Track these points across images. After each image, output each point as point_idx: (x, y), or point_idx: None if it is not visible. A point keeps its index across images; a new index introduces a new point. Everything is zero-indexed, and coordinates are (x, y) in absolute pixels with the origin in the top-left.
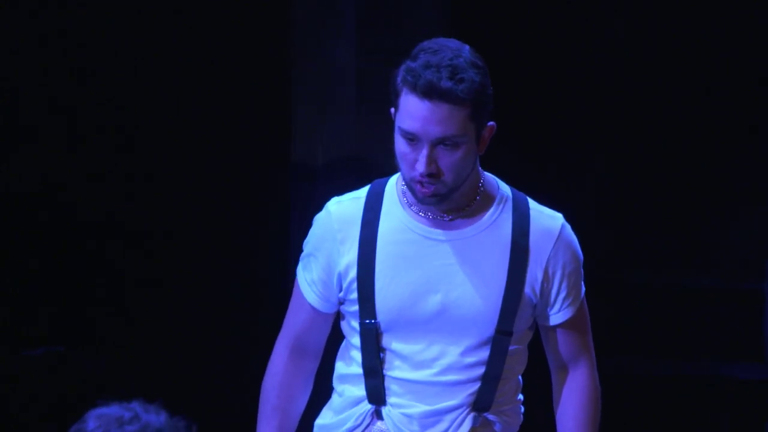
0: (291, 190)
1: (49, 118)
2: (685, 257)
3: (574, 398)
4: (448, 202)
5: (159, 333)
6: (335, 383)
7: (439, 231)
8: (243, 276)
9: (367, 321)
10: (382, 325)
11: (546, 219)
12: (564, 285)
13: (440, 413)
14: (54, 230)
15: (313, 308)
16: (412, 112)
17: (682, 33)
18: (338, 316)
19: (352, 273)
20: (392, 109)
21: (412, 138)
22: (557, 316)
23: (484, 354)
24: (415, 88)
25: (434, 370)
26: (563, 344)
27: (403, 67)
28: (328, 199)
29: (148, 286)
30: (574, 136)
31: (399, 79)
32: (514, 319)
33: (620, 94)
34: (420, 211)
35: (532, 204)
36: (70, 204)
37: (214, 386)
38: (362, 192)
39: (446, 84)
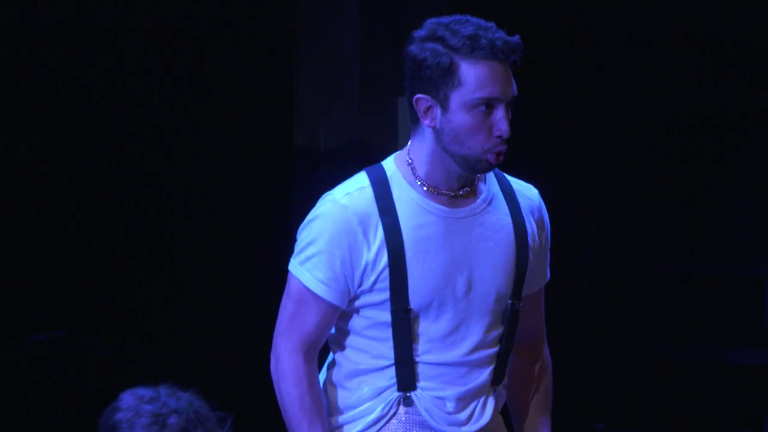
0: (293, 178)
1: (51, 111)
2: (690, 243)
3: (545, 375)
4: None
5: (161, 318)
6: (341, 381)
7: (455, 209)
8: (244, 262)
9: (400, 308)
10: (415, 311)
11: (526, 190)
12: (546, 250)
13: (470, 392)
14: (58, 216)
15: (330, 305)
16: (486, 76)
17: (692, 16)
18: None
19: (382, 262)
20: (426, 95)
21: (490, 104)
22: (541, 280)
23: (502, 328)
24: (480, 53)
25: (463, 350)
26: (534, 315)
27: (437, 46)
28: (330, 186)
29: (150, 272)
30: (579, 121)
31: (446, 54)
32: (522, 290)
33: (627, 80)
34: (435, 191)
35: (508, 176)
36: (72, 189)
37: (216, 369)
38: (360, 182)
39: (514, 40)
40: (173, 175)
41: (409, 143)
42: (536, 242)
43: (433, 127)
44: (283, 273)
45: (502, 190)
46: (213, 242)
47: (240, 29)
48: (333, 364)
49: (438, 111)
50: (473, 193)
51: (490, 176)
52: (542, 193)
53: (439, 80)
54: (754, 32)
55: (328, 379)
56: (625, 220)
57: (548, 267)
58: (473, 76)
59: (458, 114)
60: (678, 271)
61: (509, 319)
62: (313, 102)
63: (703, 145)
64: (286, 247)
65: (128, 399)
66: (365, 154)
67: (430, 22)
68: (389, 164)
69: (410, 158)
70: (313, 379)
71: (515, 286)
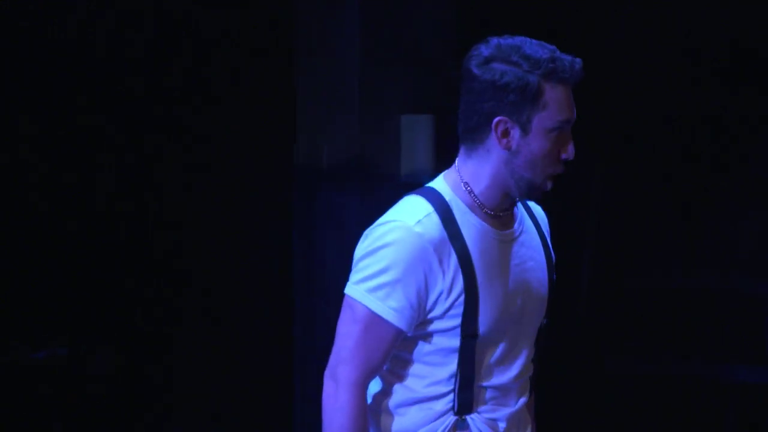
0: (294, 194)
1: (52, 116)
2: (690, 259)
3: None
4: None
5: (163, 332)
6: (394, 408)
7: (504, 232)
8: (244, 276)
9: (469, 334)
10: (482, 335)
11: (535, 205)
12: None
13: (518, 412)
14: (59, 230)
15: (399, 332)
16: (563, 101)
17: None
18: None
19: (457, 289)
20: (507, 117)
21: (563, 128)
22: None
23: (535, 344)
24: (559, 76)
25: (514, 372)
26: None
27: (516, 69)
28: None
29: (150, 287)
30: (579, 135)
31: (532, 78)
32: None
33: (627, 92)
34: (488, 215)
35: None
36: (70, 202)
37: (220, 381)
38: (423, 207)
39: (581, 63)
40: (174, 189)
41: (456, 165)
42: (554, 259)
43: (508, 150)
44: (280, 289)
45: (524, 210)
46: (212, 257)
47: (241, 45)
48: (384, 391)
49: (517, 134)
50: (512, 215)
51: None
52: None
53: (525, 103)
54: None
55: (379, 407)
56: (623, 237)
57: None
58: (554, 100)
59: (538, 137)
60: (677, 288)
61: (543, 336)
62: (315, 118)
63: (703, 156)
64: (285, 262)
65: None
66: (367, 171)
67: (495, 43)
68: (443, 188)
69: (466, 182)
70: (366, 415)
71: (549, 302)
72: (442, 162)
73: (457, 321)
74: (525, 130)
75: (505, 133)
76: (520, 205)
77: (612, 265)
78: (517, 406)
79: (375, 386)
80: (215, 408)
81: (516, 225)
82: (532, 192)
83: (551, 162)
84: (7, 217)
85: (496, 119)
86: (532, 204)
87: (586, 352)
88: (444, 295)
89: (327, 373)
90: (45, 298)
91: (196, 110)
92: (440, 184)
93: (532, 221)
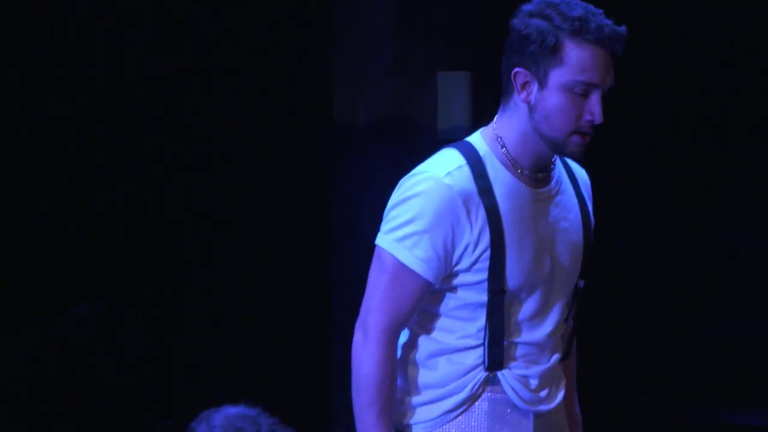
0: (331, 155)
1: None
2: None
3: (573, 353)
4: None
5: (199, 295)
6: (423, 360)
7: (539, 190)
8: (279, 238)
9: (497, 289)
10: (510, 292)
11: (578, 167)
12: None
13: (549, 370)
14: (99, 192)
15: (426, 283)
16: (589, 61)
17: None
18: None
19: (484, 243)
20: (526, 69)
21: (587, 90)
22: None
23: (572, 307)
24: (587, 35)
25: (547, 330)
26: None
27: (543, 23)
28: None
29: (192, 239)
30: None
31: (552, 33)
32: (587, 269)
33: (646, 87)
34: (522, 173)
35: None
36: (114, 166)
37: (251, 348)
38: (456, 160)
39: (621, 30)
40: (212, 146)
41: (494, 120)
42: (593, 222)
43: (528, 103)
44: (317, 248)
45: (565, 170)
46: (250, 217)
47: (278, 2)
48: (413, 344)
49: (535, 87)
50: (549, 175)
51: (555, 157)
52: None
53: (542, 56)
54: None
55: (408, 359)
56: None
57: None
58: (576, 58)
59: (554, 93)
60: (720, 246)
61: (580, 297)
62: (351, 75)
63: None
64: (322, 221)
65: (219, 419)
66: (403, 128)
67: (538, 0)
68: (479, 142)
69: (499, 136)
70: (394, 364)
71: (585, 263)
72: (479, 119)
73: (484, 275)
74: (542, 84)
75: (525, 86)
76: (560, 166)
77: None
78: (549, 364)
79: (405, 338)
80: (250, 367)
81: (552, 184)
82: (563, 149)
83: (568, 121)
84: (47, 182)
85: (515, 70)
86: (575, 166)
87: (625, 313)
88: (471, 248)
89: (357, 323)
90: (86, 260)
91: (233, 70)
92: (477, 138)
93: (572, 183)
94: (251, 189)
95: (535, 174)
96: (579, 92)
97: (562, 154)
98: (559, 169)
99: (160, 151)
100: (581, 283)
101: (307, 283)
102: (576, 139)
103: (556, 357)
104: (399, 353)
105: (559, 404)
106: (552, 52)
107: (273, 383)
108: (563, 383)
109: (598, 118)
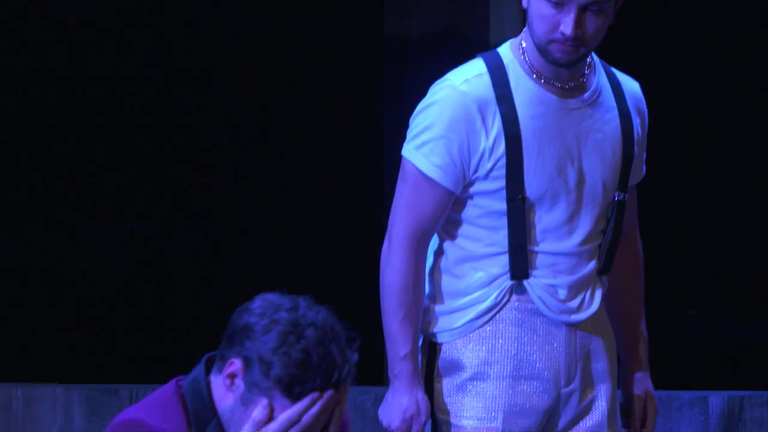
0: (383, 68)
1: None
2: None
3: (638, 268)
4: (574, 68)
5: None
6: (450, 267)
7: (567, 100)
8: (336, 144)
9: (515, 196)
10: (530, 200)
11: (630, 82)
12: (645, 143)
13: (580, 281)
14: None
15: (445, 191)
16: None
17: None
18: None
19: (499, 150)
20: None
21: (559, 2)
22: (639, 174)
23: (610, 219)
24: None
25: (575, 241)
26: (630, 208)
27: None
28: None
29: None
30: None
31: None
32: (627, 182)
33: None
34: (547, 82)
35: (614, 69)
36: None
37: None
38: (478, 68)
39: None
40: (270, 59)
41: (523, 30)
42: (639, 135)
43: (525, 9)
44: (369, 160)
45: (609, 82)
46: (300, 132)
47: None
48: (441, 251)
49: None
50: (583, 85)
51: (599, 69)
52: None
53: None
54: None
55: (436, 266)
56: (715, 112)
57: (644, 163)
58: None
59: (535, 1)
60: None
61: (616, 210)
62: None
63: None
64: (374, 132)
65: (264, 304)
66: (456, 43)
67: None
68: (506, 51)
69: (522, 45)
70: (419, 273)
71: (622, 178)
72: None
73: (502, 183)
74: None
75: None
76: (603, 78)
77: (704, 140)
78: (579, 274)
79: (434, 246)
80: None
81: (586, 95)
82: (546, 56)
83: (545, 29)
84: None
85: None
86: (625, 80)
87: (680, 226)
88: (486, 155)
89: (386, 234)
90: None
91: None
92: (505, 47)
93: (617, 95)
94: (306, 104)
95: (564, 84)
96: (554, 2)
97: (548, 60)
98: (600, 81)
99: None
100: (623, 196)
101: (360, 196)
102: (555, 47)
103: (589, 268)
104: (431, 261)
105: (595, 316)
106: None
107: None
108: (600, 294)
109: (568, 30)
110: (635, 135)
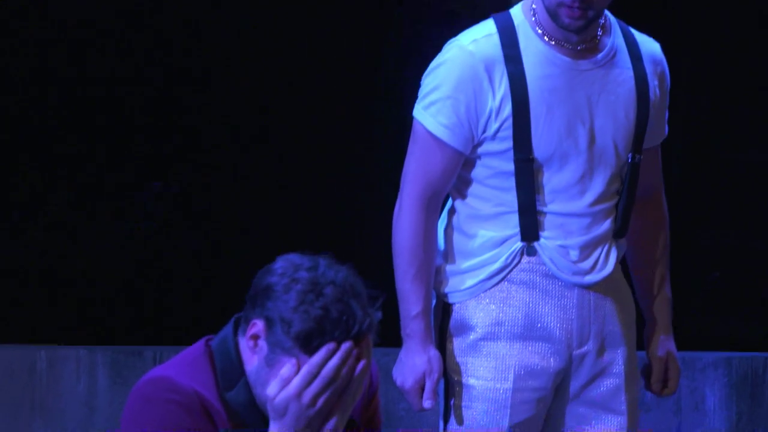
0: (405, 25)
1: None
2: None
3: (663, 230)
4: (586, 30)
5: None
6: (461, 226)
7: (578, 61)
8: (333, 152)
9: (523, 157)
10: (538, 161)
11: (650, 43)
12: (666, 103)
13: (593, 241)
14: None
15: (454, 151)
16: None
17: None
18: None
19: (506, 110)
20: None
21: None
22: (660, 135)
23: (624, 180)
24: None
25: (586, 201)
26: (652, 170)
27: None
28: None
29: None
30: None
31: None
32: (642, 144)
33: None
34: (558, 43)
35: (633, 29)
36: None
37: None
38: (487, 28)
39: None
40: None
41: None
42: (657, 96)
43: None
44: (369, 164)
45: (626, 43)
46: (301, 135)
47: None
48: (453, 209)
49: None
50: (596, 46)
51: (615, 29)
52: None
53: None
54: None
55: (448, 224)
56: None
57: (666, 123)
58: None
59: None
60: None
61: (630, 172)
62: None
63: None
64: (375, 134)
65: (285, 264)
66: (476, 5)
67: None
68: (517, 12)
69: (533, 6)
70: (429, 233)
71: (636, 139)
72: None
73: (509, 144)
74: None
75: None
76: (620, 39)
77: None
78: (592, 235)
79: (448, 205)
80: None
81: (600, 56)
82: (555, 20)
83: None
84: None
85: None
86: (645, 41)
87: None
88: (494, 115)
89: (398, 194)
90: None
91: None
92: (516, 9)
93: (633, 57)
94: (306, 98)
95: (576, 45)
96: None
97: (558, 24)
98: (615, 42)
99: None
100: (637, 158)
101: (362, 199)
102: (564, 11)
103: (603, 229)
104: (444, 219)
105: (610, 278)
106: None
107: None
108: (615, 256)
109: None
110: (651, 97)
